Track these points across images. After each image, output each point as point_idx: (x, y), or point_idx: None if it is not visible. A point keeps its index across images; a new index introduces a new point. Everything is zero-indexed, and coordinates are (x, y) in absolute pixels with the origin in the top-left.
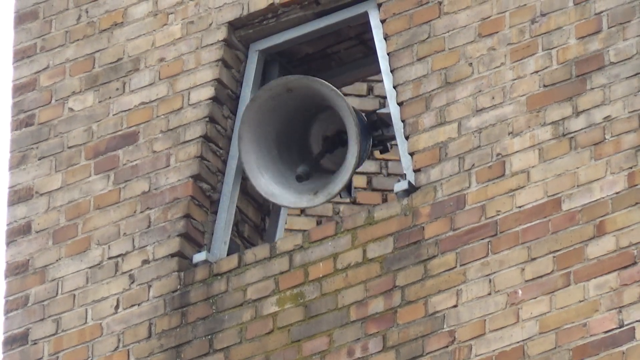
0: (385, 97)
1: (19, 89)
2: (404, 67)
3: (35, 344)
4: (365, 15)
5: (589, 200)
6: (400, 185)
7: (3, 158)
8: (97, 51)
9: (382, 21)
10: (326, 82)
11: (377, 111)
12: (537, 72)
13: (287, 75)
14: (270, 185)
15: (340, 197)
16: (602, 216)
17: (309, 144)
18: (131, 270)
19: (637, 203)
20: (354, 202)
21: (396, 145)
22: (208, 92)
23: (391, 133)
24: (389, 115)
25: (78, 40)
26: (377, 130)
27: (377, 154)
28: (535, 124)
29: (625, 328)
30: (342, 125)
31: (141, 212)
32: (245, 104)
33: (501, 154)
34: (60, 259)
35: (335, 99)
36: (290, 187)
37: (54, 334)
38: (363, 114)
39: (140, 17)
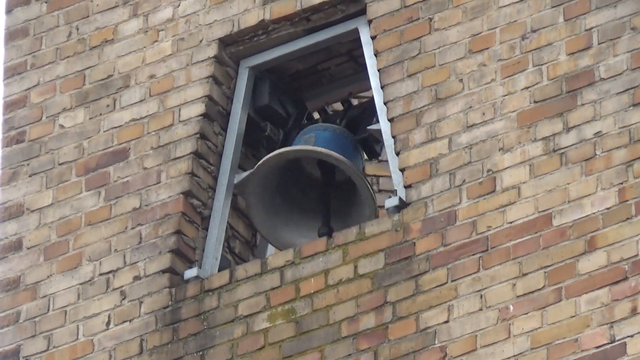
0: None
1: (10, 106)
2: (395, 83)
3: None
4: (355, 31)
5: (580, 216)
6: (391, 202)
7: None
8: (88, 68)
9: (373, 37)
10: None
11: (368, 127)
12: (527, 88)
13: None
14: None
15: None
16: (593, 231)
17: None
18: (122, 286)
19: (627, 218)
20: None
21: (387, 161)
22: (198, 108)
23: (381, 149)
24: (379, 131)
25: (68, 57)
26: (368, 148)
27: (368, 170)
28: (525, 139)
29: (616, 343)
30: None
31: (132, 228)
32: (236, 120)
33: (492, 170)
34: (51, 275)
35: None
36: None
37: (45, 351)
38: (352, 134)
39: (130, 34)
